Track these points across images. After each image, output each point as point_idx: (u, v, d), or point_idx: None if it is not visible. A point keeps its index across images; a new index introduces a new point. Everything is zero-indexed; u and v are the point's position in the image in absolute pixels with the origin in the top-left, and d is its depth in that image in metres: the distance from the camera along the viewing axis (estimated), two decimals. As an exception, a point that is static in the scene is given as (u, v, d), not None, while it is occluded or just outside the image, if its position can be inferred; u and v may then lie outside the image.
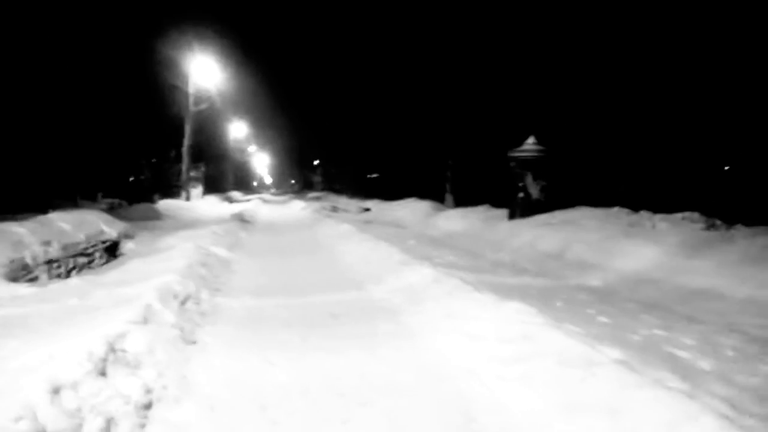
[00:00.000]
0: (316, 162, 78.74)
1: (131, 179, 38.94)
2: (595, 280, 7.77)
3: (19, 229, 9.31)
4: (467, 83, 19.72)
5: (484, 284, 6.57)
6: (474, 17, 19.10)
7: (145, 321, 4.60)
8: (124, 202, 22.60)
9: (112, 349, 3.69)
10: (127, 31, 27.35)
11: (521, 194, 13.67)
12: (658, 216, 10.14)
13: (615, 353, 3.78)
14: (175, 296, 5.61)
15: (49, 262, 8.86)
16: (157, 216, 21.47)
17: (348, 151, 48.44)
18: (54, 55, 24.56)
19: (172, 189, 33.99)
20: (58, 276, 9.04)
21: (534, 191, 13.65)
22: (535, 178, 13.65)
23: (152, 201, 27.36)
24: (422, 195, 24.00)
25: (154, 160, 42.62)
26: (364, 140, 41.33)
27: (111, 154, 33.89)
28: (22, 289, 7.04)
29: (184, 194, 31.55)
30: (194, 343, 4.80)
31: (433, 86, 22.68)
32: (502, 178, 17.32)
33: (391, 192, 31.78)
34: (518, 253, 10.49)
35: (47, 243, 10.05)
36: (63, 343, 3.87)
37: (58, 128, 27.18)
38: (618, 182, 13.73)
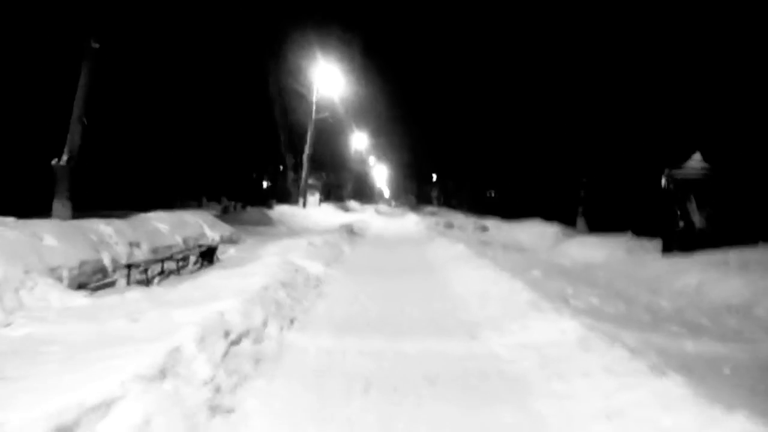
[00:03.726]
0: (434, 176, 77.50)
1: (253, 184, 40.10)
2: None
3: (105, 228, 8.65)
4: (610, 85, 16.98)
5: (655, 352, 4.52)
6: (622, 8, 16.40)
7: (162, 375, 3.22)
8: (238, 205, 22.53)
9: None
10: (254, 39, 27.79)
11: (681, 223, 11.03)
12: None
13: None
14: (227, 333, 4.23)
15: (131, 266, 8.06)
16: (268, 221, 21.10)
17: (466, 166, 46.39)
18: (185, 62, 25.45)
19: (290, 195, 34.21)
20: (140, 282, 8.22)
21: (698, 220, 10.95)
22: (699, 205, 10.95)
23: (269, 206, 27.43)
24: (547, 216, 21.48)
25: (276, 167, 43.68)
26: (484, 155, 39.06)
27: (236, 158, 34.98)
28: (79, 299, 6.11)
29: (301, 201, 31.46)
30: (230, 412, 3.34)
31: (567, 91, 20.12)
32: (650, 202, 14.56)
33: (511, 211, 29.37)
34: (682, 298, 8.08)
35: (135, 244, 9.36)
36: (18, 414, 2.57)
37: (188, 132, 28.23)
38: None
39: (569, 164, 21.69)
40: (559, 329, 5.00)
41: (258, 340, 4.56)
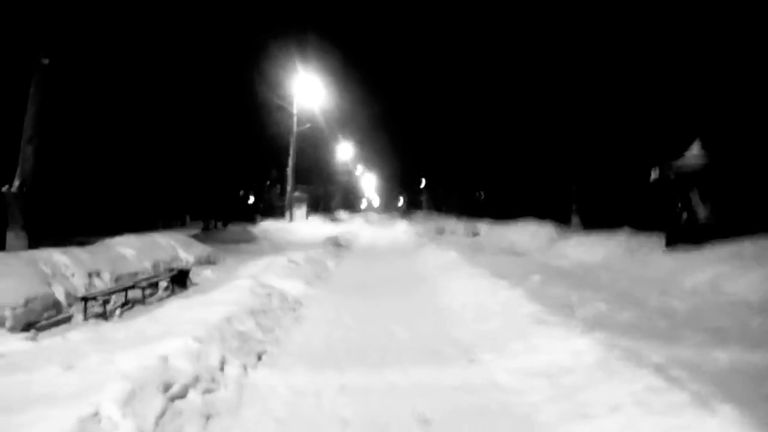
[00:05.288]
0: (422, 182, 76.86)
1: (239, 200, 39.13)
2: None
3: (59, 258, 7.82)
4: (600, 77, 16.34)
5: (686, 370, 3.79)
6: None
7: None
8: (219, 223, 21.63)
9: None
10: (231, 51, 27.00)
11: (685, 216, 10.36)
12: None
13: None
14: (167, 386, 3.43)
15: (86, 298, 7.25)
16: (251, 238, 20.23)
17: (454, 169, 45.65)
18: (163, 79, 24.60)
19: (276, 210, 33.34)
20: (98, 315, 7.42)
21: (702, 212, 10.28)
22: (702, 196, 10.28)
23: (253, 222, 26.56)
24: (539, 214, 20.80)
25: (261, 182, 42.75)
26: (471, 157, 38.34)
27: (220, 174, 34.04)
28: (17, 342, 5.31)
29: (287, 215, 30.62)
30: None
31: (555, 84, 19.45)
32: (645, 195, 13.93)
33: (502, 211, 28.68)
34: (696, 298, 7.38)
35: (95, 274, 8.52)
36: None
37: (170, 151, 27.31)
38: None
39: (559, 159, 21.04)
40: (570, 349, 4.25)
41: (211, 388, 3.77)
